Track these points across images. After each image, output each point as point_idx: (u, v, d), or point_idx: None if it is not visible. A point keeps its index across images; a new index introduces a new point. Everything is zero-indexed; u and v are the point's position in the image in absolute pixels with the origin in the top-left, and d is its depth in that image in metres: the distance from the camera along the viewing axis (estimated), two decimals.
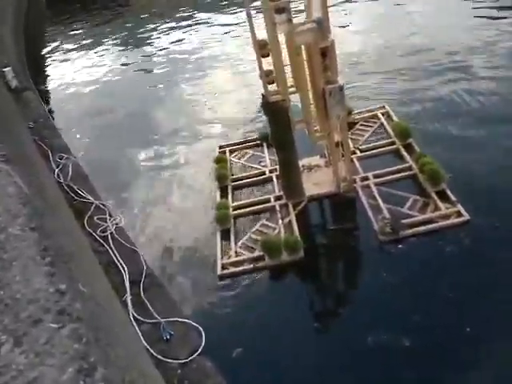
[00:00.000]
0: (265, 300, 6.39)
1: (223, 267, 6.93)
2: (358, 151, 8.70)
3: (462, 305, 5.69)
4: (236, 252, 7.17)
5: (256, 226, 7.65)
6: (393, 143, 8.68)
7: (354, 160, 8.39)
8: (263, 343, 5.75)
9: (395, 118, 9.28)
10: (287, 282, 6.81)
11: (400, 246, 6.64)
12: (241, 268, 6.88)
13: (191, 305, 6.37)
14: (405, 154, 8.30)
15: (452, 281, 6.00)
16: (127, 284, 3.98)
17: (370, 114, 9.71)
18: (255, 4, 7.45)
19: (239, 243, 7.36)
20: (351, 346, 5.56)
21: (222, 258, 7.08)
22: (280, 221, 7.57)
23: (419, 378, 5.08)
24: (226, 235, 7.51)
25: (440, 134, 8.77)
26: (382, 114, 9.59)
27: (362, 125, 9.50)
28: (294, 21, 6.54)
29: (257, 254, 6.99)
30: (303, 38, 6.64)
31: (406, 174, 7.92)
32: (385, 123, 9.30)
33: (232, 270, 6.89)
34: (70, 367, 1.55)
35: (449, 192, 7.22)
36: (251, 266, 6.85)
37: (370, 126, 9.40)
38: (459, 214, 6.87)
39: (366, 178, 7.95)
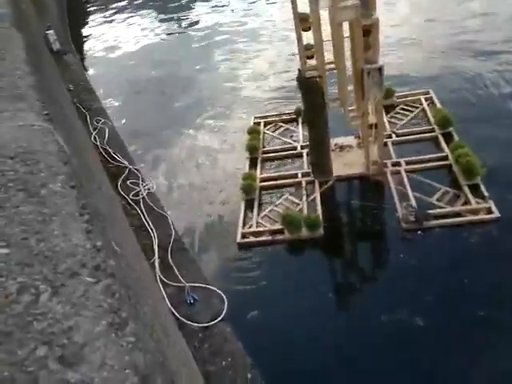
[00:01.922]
0: (280, 272, 6.50)
1: (243, 236, 7.07)
2: (393, 135, 8.53)
3: (478, 297, 5.63)
4: (257, 222, 7.30)
5: (280, 200, 7.72)
6: (432, 130, 8.43)
7: (389, 144, 8.25)
8: (276, 312, 5.86)
9: (438, 105, 8.99)
10: (304, 258, 6.90)
11: (422, 235, 6.54)
12: (260, 238, 7.00)
13: (209, 269, 6.51)
14: (443, 142, 8.06)
15: (471, 274, 5.91)
16: (156, 247, 4.11)
17: (413, 98, 9.44)
18: None
19: (262, 214, 7.47)
20: (365, 323, 5.65)
21: (243, 226, 7.21)
22: (304, 197, 7.60)
23: (430, 359, 5.11)
24: (250, 205, 7.62)
25: (484, 126, 8.40)
26: (426, 100, 9.29)
27: (402, 108, 9.26)
28: None
29: (277, 226, 7.08)
30: (345, 15, 6.50)
31: (441, 163, 7.72)
32: (427, 109, 9.02)
33: (251, 239, 7.03)
34: (103, 320, 1.63)
35: (482, 187, 6.99)
36: (270, 237, 6.97)
37: (411, 111, 9.15)
38: (489, 211, 6.65)
39: (398, 164, 7.82)
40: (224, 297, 3.73)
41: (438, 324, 5.43)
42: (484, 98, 9.30)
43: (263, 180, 8.17)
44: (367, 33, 6.51)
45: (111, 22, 19.45)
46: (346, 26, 6.62)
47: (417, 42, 11.94)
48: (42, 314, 1.75)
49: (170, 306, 3.40)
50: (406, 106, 9.31)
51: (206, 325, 3.45)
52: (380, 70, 6.67)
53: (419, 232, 6.60)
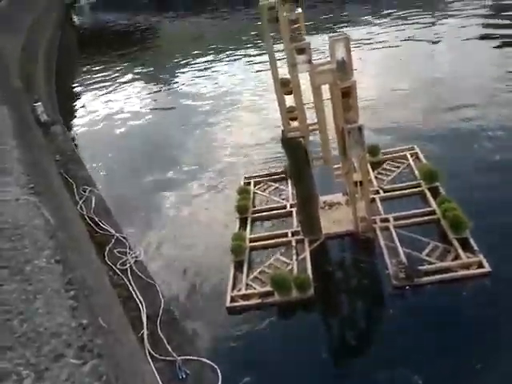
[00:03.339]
0: (271, 337, 6.31)
1: (232, 299, 6.90)
2: (381, 191, 8.64)
3: (471, 358, 5.47)
4: (247, 285, 7.16)
5: (270, 260, 7.63)
6: (418, 185, 8.54)
7: (376, 200, 8.32)
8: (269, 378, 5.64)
9: (424, 160, 9.20)
10: (296, 320, 6.73)
11: (414, 292, 6.46)
12: (249, 302, 6.85)
13: (198, 337, 6.30)
14: (429, 197, 8.15)
15: (462, 334, 5.79)
16: (144, 319, 3.97)
17: (399, 154, 9.67)
18: (276, 45, 7.67)
19: (251, 276, 7.35)
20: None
21: (232, 290, 7.06)
22: (294, 256, 7.53)
23: None
24: (239, 267, 7.52)
25: (470, 179, 8.53)
26: (411, 155, 9.51)
27: (388, 164, 9.46)
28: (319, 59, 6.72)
29: (267, 288, 6.95)
30: (323, 79, 6.79)
31: (429, 218, 7.74)
32: (412, 164, 9.20)
33: (241, 303, 6.87)
34: None
35: (471, 240, 6.95)
36: (259, 300, 6.82)
37: (397, 167, 9.33)
38: (480, 265, 6.58)
39: (387, 220, 7.84)
40: (218, 369, 3.56)
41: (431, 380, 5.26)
42: (468, 151, 9.54)
43: (253, 240, 8.12)
44: (346, 94, 6.77)
45: (98, 93, 20.03)
46: (327, 88, 6.89)
47: (399, 101, 12.44)
48: None
49: (160, 383, 3.23)
50: (393, 162, 9.52)
51: None
52: (360, 129, 6.87)
53: (407, 287, 6.52)
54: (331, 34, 6.72)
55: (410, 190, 8.53)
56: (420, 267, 6.71)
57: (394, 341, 5.91)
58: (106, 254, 5.06)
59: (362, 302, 6.87)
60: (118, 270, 4.73)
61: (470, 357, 5.47)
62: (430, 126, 10.79)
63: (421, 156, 9.36)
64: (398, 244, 7.20)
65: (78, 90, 21.43)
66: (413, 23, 18.86)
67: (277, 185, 9.71)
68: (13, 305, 2.07)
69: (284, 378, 5.66)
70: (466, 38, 15.77)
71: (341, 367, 5.97)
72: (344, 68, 6.60)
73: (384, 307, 6.58)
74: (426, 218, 7.77)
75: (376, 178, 9.02)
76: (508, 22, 16.72)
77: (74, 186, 6.86)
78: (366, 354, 5.99)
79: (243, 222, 8.61)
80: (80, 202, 6.33)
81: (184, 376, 3.42)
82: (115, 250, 5.13)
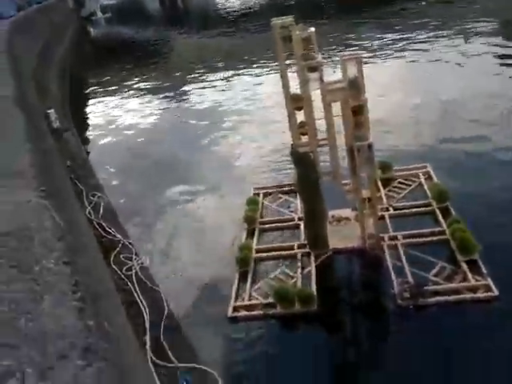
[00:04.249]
0: (270, 348, 6.28)
1: (234, 309, 6.89)
2: (391, 208, 8.59)
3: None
4: (250, 295, 7.13)
5: (275, 273, 7.60)
6: (429, 205, 8.48)
7: (386, 217, 8.28)
8: None
9: (435, 179, 9.16)
10: (297, 333, 6.68)
11: (418, 312, 6.38)
12: (252, 313, 6.83)
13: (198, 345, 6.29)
14: (439, 217, 8.08)
15: (464, 360, 5.69)
16: (147, 325, 3.97)
17: (411, 172, 9.62)
18: (289, 61, 7.74)
19: (255, 287, 7.32)
20: None
21: (235, 300, 7.04)
22: (299, 270, 7.51)
23: None
24: (244, 277, 7.50)
25: (484, 200, 8.42)
26: (423, 174, 9.47)
27: (400, 182, 9.40)
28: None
29: (270, 300, 6.92)
30: (334, 96, 6.84)
31: (438, 238, 7.66)
32: (424, 183, 9.17)
33: (243, 313, 6.85)
34: None
35: (480, 263, 6.86)
36: (261, 312, 6.79)
37: (408, 185, 9.28)
38: (488, 289, 6.50)
39: (395, 238, 7.78)
40: (219, 379, 3.54)
41: None
42: (482, 171, 9.45)
43: (259, 251, 8.11)
44: (357, 112, 6.80)
45: (111, 102, 20.27)
46: (338, 104, 6.93)
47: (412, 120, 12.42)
48: None
49: None
50: (404, 180, 9.47)
51: None
52: (370, 146, 6.89)
53: (412, 307, 6.45)
54: (343, 53, 6.79)
55: (421, 209, 8.46)
56: (426, 287, 6.64)
57: (393, 359, 5.85)
58: (112, 258, 5.07)
59: (365, 319, 6.81)
60: (123, 275, 4.74)
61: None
62: (444, 145, 10.75)
63: (433, 175, 9.30)
64: (406, 263, 7.13)
65: (90, 99, 21.71)
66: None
67: (286, 197, 9.73)
68: (20, 304, 2.09)
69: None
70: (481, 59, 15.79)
71: (340, 380, 5.91)
72: (355, 86, 6.64)
73: (387, 326, 6.52)
74: (435, 237, 7.68)
75: (386, 195, 8.98)
76: None
77: (84, 192, 6.91)
78: (364, 371, 5.95)
79: (251, 233, 8.62)
80: (89, 208, 6.37)
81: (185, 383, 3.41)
82: (121, 256, 5.15)
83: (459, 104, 12.70)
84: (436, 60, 16.50)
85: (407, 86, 14.85)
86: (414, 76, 15.77)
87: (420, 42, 19.00)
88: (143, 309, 4.19)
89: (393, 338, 6.27)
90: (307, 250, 7.91)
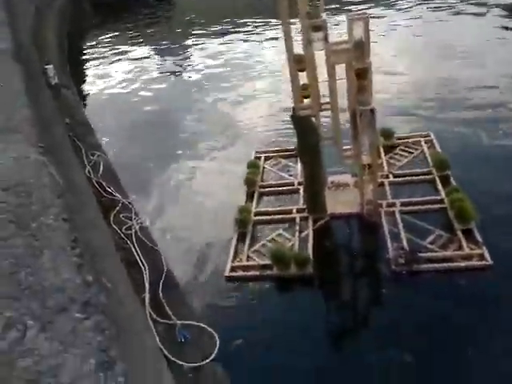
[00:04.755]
0: (265, 306, 6.45)
1: (232, 269, 7.03)
2: (391, 176, 8.58)
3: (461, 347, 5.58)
4: (248, 256, 7.25)
5: (272, 235, 7.69)
6: (429, 173, 8.45)
7: (385, 184, 8.28)
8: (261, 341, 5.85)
9: (438, 148, 9.09)
10: (292, 295, 6.82)
11: (411, 278, 6.49)
12: (248, 273, 6.96)
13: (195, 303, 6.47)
14: (439, 185, 8.07)
15: (455, 323, 5.82)
16: (146, 283, 4.04)
17: (413, 139, 9.55)
18: (293, 20, 7.53)
19: (253, 248, 7.43)
20: (351, 362, 5.59)
21: (233, 260, 7.17)
22: (297, 233, 7.58)
23: None
24: (242, 238, 7.60)
25: (483, 171, 8.32)
26: (426, 142, 9.40)
27: (401, 149, 9.33)
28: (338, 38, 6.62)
29: (266, 261, 7.04)
30: (338, 58, 6.68)
31: (436, 206, 7.68)
32: (426, 151, 9.11)
33: (240, 273, 6.99)
34: (91, 358, 1.58)
35: (476, 232, 6.90)
36: (258, 273, 6.93)
37: (410, 152, 9.22)
38: (482, 257, 6.54)
39: (393, 205, 7.81)
40: (216, 336, 3.64)
41: (423, 360, 5.40)
42: (484, 141, 9.32)
43: (258, 214, 8.18)
44: (361, 76, 6.67)
45: (110, 59, 19.84)
46: (342, 67, 6.78)
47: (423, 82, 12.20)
48: (27, 351, 1.69)
49: (159, 344, 3.30)
50: (406, 147, 9.40)
51: (196, 364, 3.34)
52: (372, 111, 6.79)
53: (405, 273, 6.56)
54: (350, 13, 6.58)
55: (421, 177, 8.44)
56: (420, 254, 6.72)
57: (384, 323, 6.00)
58: (111, 218, 5.10)
59: (359, 283, 6.94)
60: (122, 235, 4.78)
61: (459, 346, 5.56)
62: (449, 113, 10.62)
63: (436, 143, 9.23)
64: (402, 230, 7.19)
65: (89, 56, 21.24)
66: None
67: (287, 161, 9.70)
68: (19, 258, 2.11)
69: (273, 341, 5.85)
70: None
71: (329, 340, 6.11)
72: (361, 48, 6.48)
73: (380, 290, 6.64)
74: (433, 206, 7.71)
75: (388, 162, 8.95)
76: None
77: (83, 150, 6.87)
78: (356, 332, 6.15)
79: (250, 196, 8.66)
80: (88, 166, 6.35)
81: (183, 339, 3.50)
82: (121, 215, 5.18)
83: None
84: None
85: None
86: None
87: None
88: (143, 267, 4.26)
89: (384, 300, 6.41)
90: (306, 214, 7.96)
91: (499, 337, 5.59)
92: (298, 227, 7.73)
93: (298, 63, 7.19)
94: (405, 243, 6.90)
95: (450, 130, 9.97)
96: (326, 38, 6.69)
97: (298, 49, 7.11)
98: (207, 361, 3.37)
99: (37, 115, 4.21)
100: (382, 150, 9.06)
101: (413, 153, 9.20)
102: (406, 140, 9.55)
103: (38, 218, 2.60)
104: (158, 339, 3.30)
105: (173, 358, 3.19)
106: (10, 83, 4.58)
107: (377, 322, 6.12)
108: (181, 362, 3.26)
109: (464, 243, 6.78)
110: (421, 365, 5.39)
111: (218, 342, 3.50)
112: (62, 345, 1.63)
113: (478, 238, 6.82)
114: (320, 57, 6.93)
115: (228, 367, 3.54)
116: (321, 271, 6.85)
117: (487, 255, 6.51)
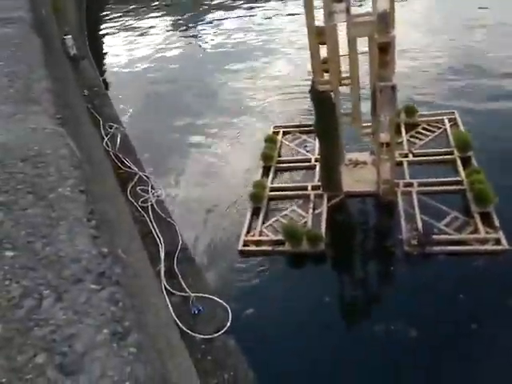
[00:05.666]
0: (277, 280, 6.51)
1: (245, 243, 7.10)
2: (410, 155, 8.44)
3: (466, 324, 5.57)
4: (261, 231, 7.30)
5: (286, 211, 7.71)
6: (450, 153, 8.29)
7: (404, 163, 8.16)
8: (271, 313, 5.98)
9: (462, 127, 8.83)
10: (303, 270, 6.87)
11: (424, 260, 6.45)
12: (261, 248, 7.03)
13: (208, 276, 6.55)
14: (460, 166, 7.91)
15: (465, 306, 5.84)
16: (162, 255, 4.09)
17: (436, 118, 9.32)
18: None
19: (266, 224, 7.48)
20: (358, 336, 5.75)
21: (246, 234, 7.23)
22: (311, 210, 7.58)
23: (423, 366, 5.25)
24: (256, 213, 7.65)
25: (507, 154, 8.17)
26: (449, 120, 9.15)
27: (424, 128, 9.16)
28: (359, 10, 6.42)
29: (279, 237, 7.08)
30: (360, 31, 6.52)
31: (454, 188, 7.57)
32: (448, 130, 8.89)
33: (252, 247, 7.06)
34: (105, 328, 1.60)
35: (494, 216, 6.77)
36: (270, 248, 6.99)
37: (432, 131, 9.03)
38: (498, 242, 6.46)
39: (410, 185, 7.72)
40: (229, 309, 3.69)
41: (430, 335, 5.49)
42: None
43: (273, 189, 8.19)
44: (384, 50, 6.49)
45: (129, 30, 19.71)
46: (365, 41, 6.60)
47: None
48: (43, 320, 1.73)
49: (173, 315, 3.36)
50: (429, 125, 9.19)
51: (209, 336, 3.41)
52: (393, 88, 6.64)
53: (418, 254, 6.52)
54: None
55: (441, 157, 8.30)
56: (434, 236, 6.65)
57: (393, 300, 6.01)
58: (128, 190, 5.14)
59: (370, 263, 6.95)
60: (139, 207, 4.83)
61: (466, 323, 5.54)
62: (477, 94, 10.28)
63: (459, 123, 8.99)
64: (418, 210, 7.13)
65: (108, 28, 21.09)
66: None
67: (305, 137, 9.63)
68: (36, 229, 2.13)
69: (283, 311, 6.04)
70: None
71: (339, 313, 6.21)
72: (385, 21, 6.29)
73: (391, 270, 6.63)
74: (451, 187, 7.60)
75: (408, 140, 8.80)
76: None
77: (101, 122, 6.89)
78: (365, 307, 6.31)
79: (266, 171, 8.66)
80: (106, 139, 6.38)
81: (197, 312, 3.57)
82: (138, 188, 5.21)
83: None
84: None
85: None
86: None
87: None
88: (158, 240, 4.30)
89: (396, 277, 6.43)
90: (320, 191, 7.93)
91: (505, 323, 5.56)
92: (312, 204, 7.72)
93: (319, 36, 7.03)
94: (419, 224, 6.83)
95: (477, 107, 9.70)
96: (347, 10, 6.50)
97: (320, 21, 6.95)
98: (220, 333, 3.43)
99: (55, 87, 4.21)
100: (403, 127, 8.89)
101: (435, 132, 9.00)
102: (429, 118, 9.33)
103: (56, 189, 2.62)
104: (172, 310, 3.36)
105: (186, 330, 3.26)
106: (28, 53, 4.56)
107: (384, 300, 6.15)
108: (194, 334, 3.33)
109: (480, 226, 6.69)
110: (424, 339, 5.42)
111: (230, 315, 3.56)
112: (76, 315, 1.65)
113: (496, 221, 6.70)
114: (341, 30, 6.76)
115: (238, 337, 3.61)
116: (333, 249, 6.87)
117: (504, 240, 6.40)
